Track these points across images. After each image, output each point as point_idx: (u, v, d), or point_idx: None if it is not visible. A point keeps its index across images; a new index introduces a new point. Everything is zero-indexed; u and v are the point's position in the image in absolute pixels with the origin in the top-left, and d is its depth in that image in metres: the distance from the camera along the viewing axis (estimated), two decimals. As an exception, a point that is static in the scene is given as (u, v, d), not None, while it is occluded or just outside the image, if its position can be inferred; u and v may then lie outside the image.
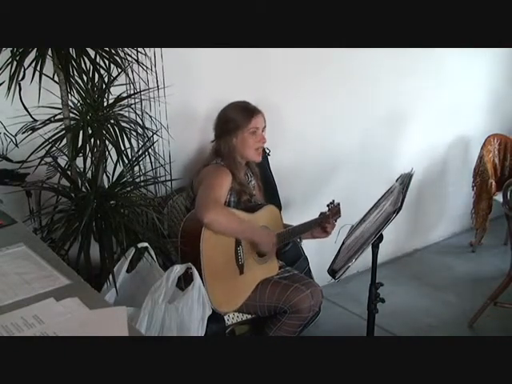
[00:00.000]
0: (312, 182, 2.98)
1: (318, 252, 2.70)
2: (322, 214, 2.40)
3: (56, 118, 1.85)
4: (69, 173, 1.87)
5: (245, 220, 2.10)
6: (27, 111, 1.96)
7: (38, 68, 1.66)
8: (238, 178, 2.18)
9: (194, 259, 1.92)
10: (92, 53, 1.78)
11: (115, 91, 1.93)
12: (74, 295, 1.08)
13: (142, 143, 2.05)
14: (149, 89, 2.13)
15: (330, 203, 2.43)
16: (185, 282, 1.84)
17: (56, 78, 1.80)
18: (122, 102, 1.93)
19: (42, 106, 1.81)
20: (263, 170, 2.47)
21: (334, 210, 2.42)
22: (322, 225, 2.37)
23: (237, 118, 2.16)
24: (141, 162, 2.03)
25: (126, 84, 1.98)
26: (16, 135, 1.98)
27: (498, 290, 2.68)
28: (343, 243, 1.98)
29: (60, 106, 1.84)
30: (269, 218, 2.24)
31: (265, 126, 2.22)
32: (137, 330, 1.28)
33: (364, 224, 1.99)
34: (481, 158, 3.45)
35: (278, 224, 2.30)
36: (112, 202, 1.85)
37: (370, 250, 1.87)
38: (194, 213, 2.03)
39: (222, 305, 2.03)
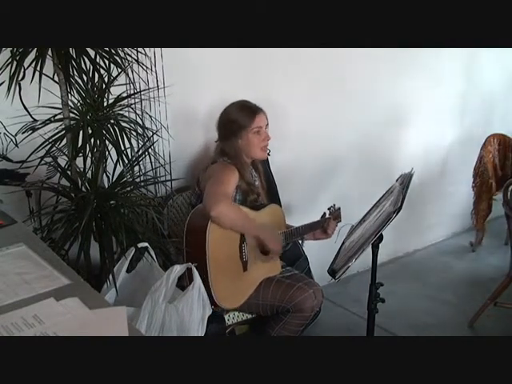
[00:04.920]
0: (312, 182, 2.98)
1: (318, 252, 2.69)
2: (323, 215, 2.41)
3: (56, 118, 1.85)
4: (69, 173, 1.87)
5: (252, 219, 2.11)
6: (27, 111, 1.96)
7: (38, 68, 1.66)
8: (245, 178, 2.18)
9: (199, 253, 1.93)
10: (92, 53, 1.78)
11: (115, 91, 1.93)
12: (74, 295, 1.08)
13: (142, 143, 2.05)
14: (149, 89, 2.13)
15: (331, 207, 2.44)
16: (188, 278, 1.83)
17: (56, 78, 1.80)
18: (122, 102, 1.93)
19: (42, 106, 1.81)
20: (264, 170, 2.48)
21: (335, 215, 2.43)
22: (324, 227, 2.38)
23: (239, 118, 2.16)
24: (141, 162, 2.03)
25: (126, 84, 1.98)
26: (16, 135, 1.98)
27: (498, 290, 2.68)
28: (343, 243, 1.98)
29: (60, 106, 1.84)
30: (272, 217, 2.25)
31: (267, 124, 2.22)
32: (137, 330, 1.28)
33: (364, 224, 1.99)
34: (481, 158, 3.44)
35: (281, 223, 2.30)
36: (112, 201, 1.85)
37: (369, 249, 1.87)
38: (200, 207, 2.04)
39: (224, 300, 2.02)
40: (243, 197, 2.19)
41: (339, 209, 2.47)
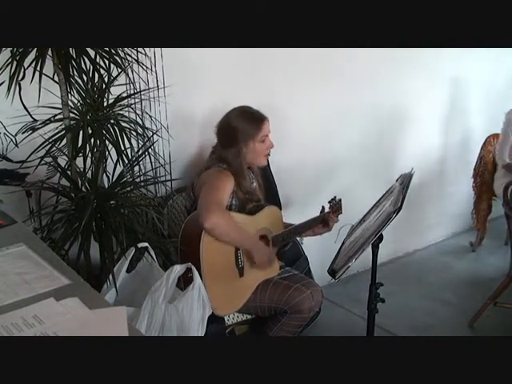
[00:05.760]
0: (312, 182, 2.98)
1: (318, 252, 2.70)
2: (322, 210, 2.40)
3: (56, 118, 1.85)
4: (69, 173, 1.87)
5: (245, 231, 2.09)
6: (27, 111, 1.96)
7: (38, 68, 1.66)
8: (244, 186, 2.15)
9: (193, 262, 1.92)
10: (92, 53, 1.78)
11: (115, 91, 1.93)
12: (74, 295, 1.08)
13: (142, 143, 2.05)
14: (149, 89, 2.13)
15: (332, 199, 2.42)
16: (184, 284, 1.83)
17: (56, 78, 1.80)
18: (122, 102, 1.93)
19: (42, 106, 1.81)
20: (263, 170, 2.47)
21: (336, 207, 2.40)
22: (324, 221, 2.37)
23: (245, 127, 2.11)
24: (141, 162, 2.04)
25: (126, 84, 1.98)
26: (16, 135, 1.98)
27: (498, 290, 2.68)
28: (343, 243, 1.98)
29: (60, 106, 1.84)
30: (269, 219, 2.23)
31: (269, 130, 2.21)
32: (137, 330, 1.28)
33: (364, 224, 1.99)
34: (481, 158, 3.44)
35: (278, 224, 2.29)
36: (112, 201, 1.85)
37: (369, 249, 1.87)
38: (194, 215, 2.03)
39: (220, 308, 2.01)
40: (241, 203, 2.17)
41: (340, 200, 2.43)
